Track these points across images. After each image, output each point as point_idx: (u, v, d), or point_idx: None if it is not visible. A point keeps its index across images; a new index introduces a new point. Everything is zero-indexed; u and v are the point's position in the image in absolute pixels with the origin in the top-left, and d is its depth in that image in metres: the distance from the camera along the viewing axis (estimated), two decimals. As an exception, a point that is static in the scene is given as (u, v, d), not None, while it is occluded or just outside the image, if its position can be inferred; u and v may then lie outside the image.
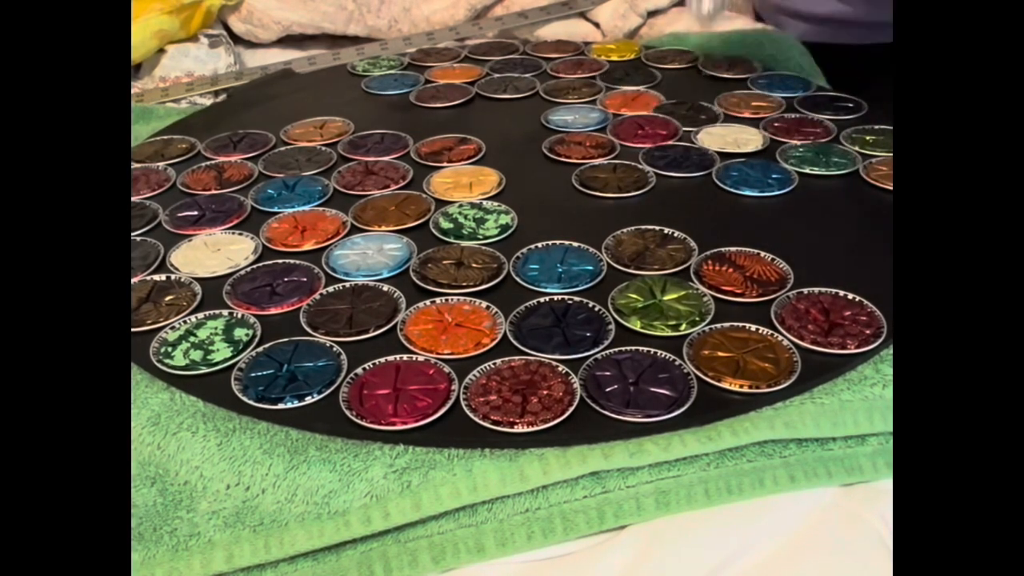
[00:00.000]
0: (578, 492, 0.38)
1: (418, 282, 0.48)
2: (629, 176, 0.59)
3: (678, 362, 0.42)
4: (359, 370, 0.42)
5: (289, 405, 0.40)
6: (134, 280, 0.50)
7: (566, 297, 0.47)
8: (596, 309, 0.46)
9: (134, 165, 0.64)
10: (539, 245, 0.51)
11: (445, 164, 0.62)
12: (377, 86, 0.76)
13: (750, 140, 0.63)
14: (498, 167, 0.61)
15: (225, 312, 0.47)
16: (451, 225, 0.54)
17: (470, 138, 0.65)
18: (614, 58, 0.80)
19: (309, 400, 0.41)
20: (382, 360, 0.43)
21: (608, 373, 0.41)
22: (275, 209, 0.57)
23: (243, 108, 0.74)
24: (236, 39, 0.89)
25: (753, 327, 0.44)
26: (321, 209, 0.57)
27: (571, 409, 0.39)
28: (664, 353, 0.42)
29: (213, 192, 0.59)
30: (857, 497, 0.38)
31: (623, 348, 0.43)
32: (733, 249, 0.50)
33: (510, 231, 0.54)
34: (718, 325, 0.44)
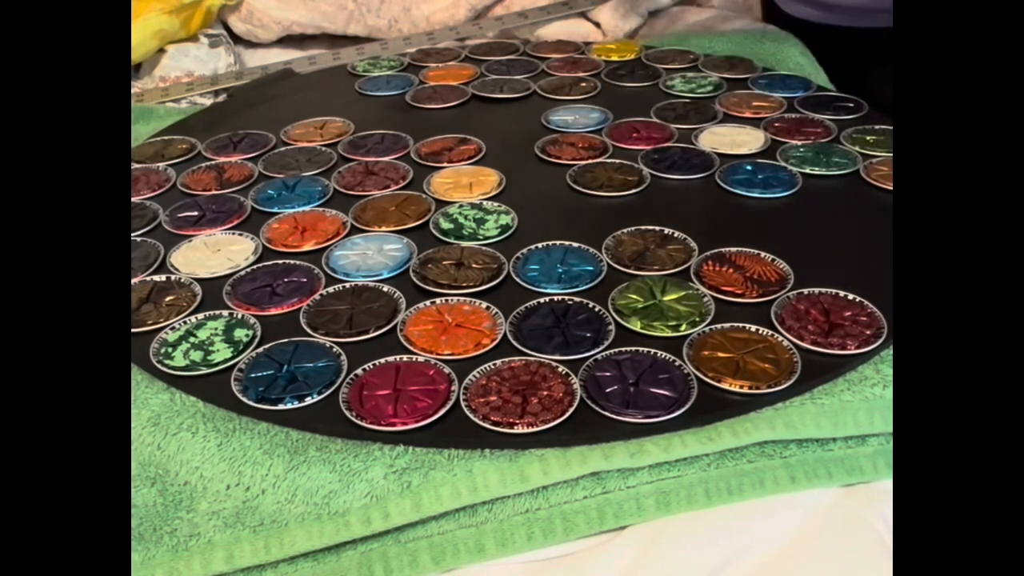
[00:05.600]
0: (578, 492, 0.38)
1: (418, 283, 0.48)
2: (629, 177, 0.59)
3: (678, 363, 0.42)
4: (359, 371, 0.42)
5: (289, 406, 0.40)
6: (134, 281, 0.50)
7: (566, 297, 0.47)
8: (596, 309, 0.46)
9: (134, 165, 0.64)
10: (539, 245, 0.51)
11: (445, 164, 0.62)
12: (371, 87, 0.76)
13: (749, 140, 0.63)
14: (498, 167, 0.61)
15: (225, 313, 0.47)
16: (451, 225, 0.54)
17: (470, 138, 0.65)
18: (614, 58, 0.80)
19: (309, 401, 0.41)
20: (382, 361, 0.43)
21: (608, 374, 0.41)
22: (275, 209, 0.57)
23: (243, 108, 0.74)
24: (236, 39, 0.89)
25: (753, 327, 0.44)
26: (321, 209, 0.57)
27: (571, 410, 0.39)
28: (664, 354, 0.42)
29: (213, 192, 0.60)
30: (857, 497, 0.38)
31: (623, 349, 0.43)
32: (733, 249, 0.50)
33: (510, 231, 0.54)
34: (718, 326, 0.44)
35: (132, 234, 0.55)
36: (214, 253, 0.52)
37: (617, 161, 0.61)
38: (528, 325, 0.45)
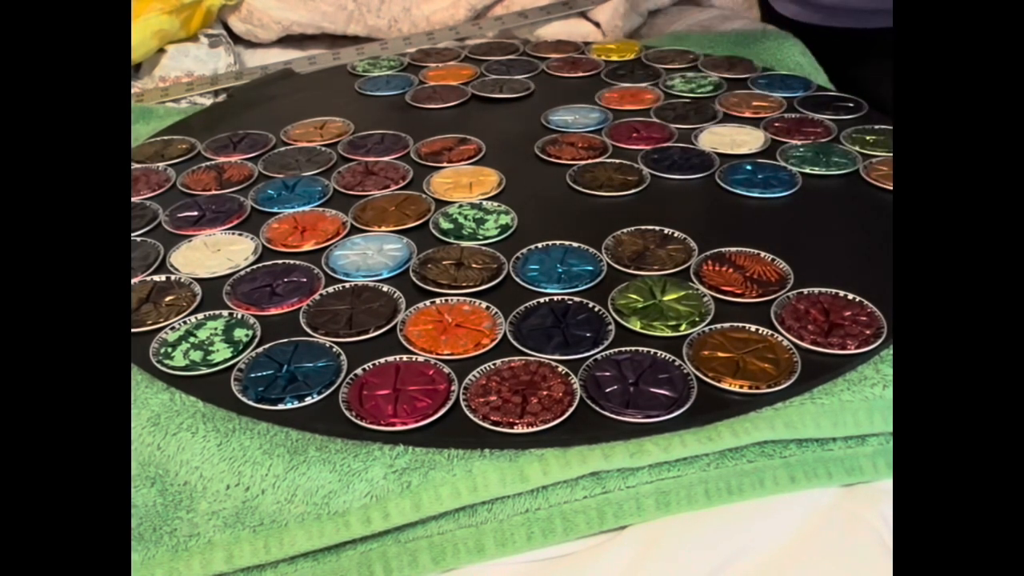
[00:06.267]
0: (578, 492, 0.38)
1: (418, 282, 0.48)
2: (629, 177, 0.59)
3: (678, 362, 0.42)
4: (359, 371, 0.42)
5: (289, 406, 0.40)
6: (134, 281, 0.50)
7: (566, 297, 0.47)
8: (596, 309, 0.46)
9: (134, 165, 0.64)
10: (539, 245, 0.51)
11: (445, 164, 0.62)
12: (370, 87, 0.77)
13: (749, 140, 0.63)
14: (498, 167, 0.61)
15: (225, 313, 0.47)
16: (451, 225, 0.54)
17: (470, 138, 0.65)
18: (614, 58, 0.80)
19: (309, 401, 0.41)
20: (382, 361, 0.43)
21: (608, 373, 0.41)
22: (275, 209, 0.57)
23: (243, 108, 0.74)
24: (236, 39, 0.89)
25: (753, 327, 0.44)
26: (321, 209, 0.57)
27: (571, 409, 0.39)
28: (664, 353, 0.42)
29: (213, 192, 0.60)
30: (857, 497, 0.38)
31: (623, 348, 0.43)
32: (733, 249, 0.50)
33: (510, 231, 0.54)
34: (718, 325, 0.44)
35: (132, 234, 0.55)
36: (214, 253, 0.52)
37: (617, 161, 0.61)
38: (528, 325, 0.45)
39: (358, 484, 0.37)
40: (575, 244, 0.51)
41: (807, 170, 0.59)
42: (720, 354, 0.42)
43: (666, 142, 0.64)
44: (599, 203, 0.57)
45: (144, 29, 0.79)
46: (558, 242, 0.52)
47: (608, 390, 0.40)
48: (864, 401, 0.40)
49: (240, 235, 0.54)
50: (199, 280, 0.50)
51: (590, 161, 0.62)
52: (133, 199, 0.59)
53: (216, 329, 0.45)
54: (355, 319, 0.46)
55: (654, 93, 0.72)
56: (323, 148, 0.65)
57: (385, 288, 0.48)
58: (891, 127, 0.64)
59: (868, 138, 0.63)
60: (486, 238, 0.53)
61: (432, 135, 0.66)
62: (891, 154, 0.61)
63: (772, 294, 0.46)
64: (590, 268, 0.49)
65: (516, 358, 0.42)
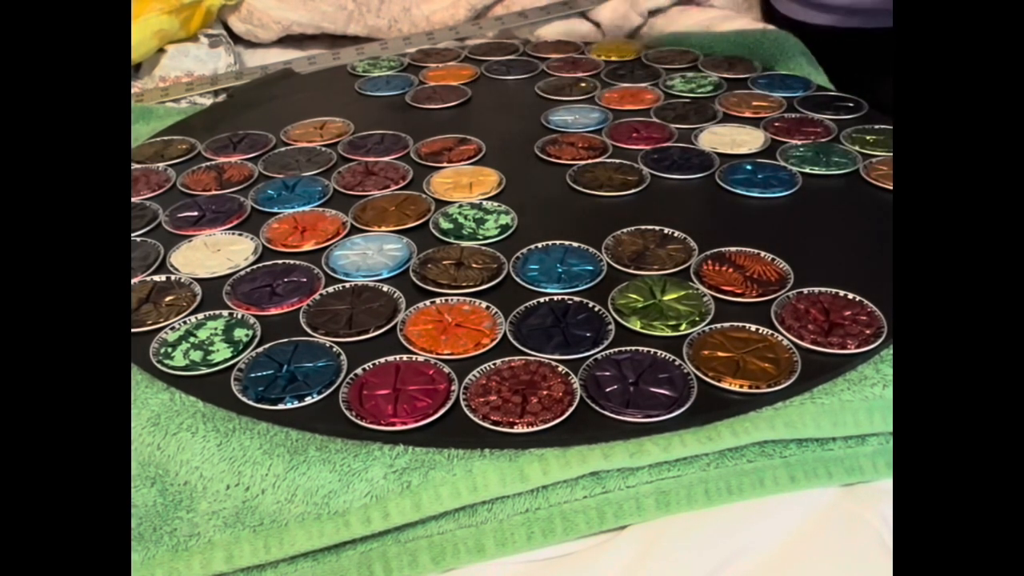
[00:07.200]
0: (578, 492, 0.38)
1: (418, 282, 0.48)
2: (629, 177, 0.59)
3: (678, 362, 0.42)
4: (359, 370, 0.42)
5: (289, 405, 0.40)
6: (134, 281, 0.50)
7: (566, 297, 0.47)
8: (596, 309, 0.46)
9: (134, 166, 0.64)
10: (539, 245, 0.51)
11: (445, 164, 0.62)
12: (370, 88, 0.77)
13: (749, 140, 0.63)
14: (498, 167, 0.61)
15: (225, 312, 0.47)
16: (451, 225, 0.54)
17: (470, 138, 0.65)
18: (614, 58, 0.80)
19: (309, 400, 0.41)
20: (382, 360, 0.43)
21: (608, 373, 0.41)
22: (275, 210, 0.57)
23: (243, 108, 0.74)
24: (236, 39, 0.89)
25: (753, 327, 0.44)
26: (321, 209, 0.57)
27: (571, 409, 0.39)
28: (664, 353, 0.42)
29: (213, 193, 0.60)
30: (857, 497, 0.38)
31: (623, 348, 0.43)
32: (733, 249, 0.50)
33: (510, 231, 0.54)
34: (718, 325, 0.44)
35: (132, 234, 0.55)
36: (214, 253, 0.52)
37: (617, 161, 0.61)
38: (528, 325, 0.45)
39: (358, 484, 0.37)
40: (575, 244, 0.51)
41: (807, 170, 0.59)
42: (720, 354, 0.42)
43: (666, 142, 0.64)
44: (599, 203, 0.57)
45: (144, 29, 0.79)
46: (558, 242, 0.52)
47: (608, 390, 0.40)
48: (864, 401, 0.40)
49: (240, 235, 0.54)
50: (199, 280, 0.50)
51: (590, 161, 0.62)
52: (133, 199, 0.59)
53: (216, 329, 0.45)
54: (355, 319, 0.46)
55: (654, 93, 0.72)
56: (323, 148, 0.65)
57: (385, 288, 0.48)
58: (891, 127, 0.64)
59: (868, 138, 0.63)
60: (486, 238, 0.53)
61: (432, 135, 0.66)
62: (891, 154, 0.61)
63: (772, 294, 0.46)
64: (590, 268, 0.49)
65: (516, 358, 0.42)
